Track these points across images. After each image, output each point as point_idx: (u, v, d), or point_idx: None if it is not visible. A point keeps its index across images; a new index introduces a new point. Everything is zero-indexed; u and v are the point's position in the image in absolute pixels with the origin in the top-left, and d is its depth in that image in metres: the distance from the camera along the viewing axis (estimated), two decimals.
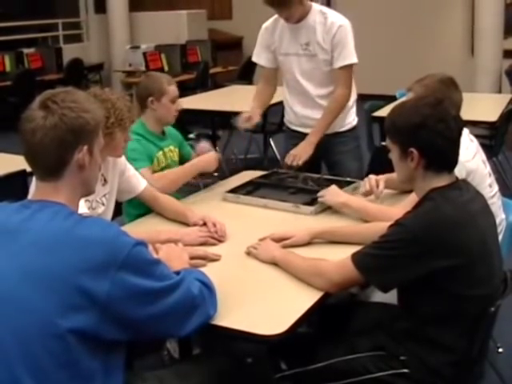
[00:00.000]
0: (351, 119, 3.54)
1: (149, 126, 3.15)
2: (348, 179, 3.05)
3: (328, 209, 2.72)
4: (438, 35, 10.33)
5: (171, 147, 3.24)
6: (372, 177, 2.78)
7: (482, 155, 2.69)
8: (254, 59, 3.57)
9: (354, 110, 3.55)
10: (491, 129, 5.18)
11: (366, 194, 2.77)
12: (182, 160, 3.29)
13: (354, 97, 3.51)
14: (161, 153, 3.15)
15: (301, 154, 3.25)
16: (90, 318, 1.46)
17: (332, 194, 2.71)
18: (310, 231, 2.37)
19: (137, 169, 2.85)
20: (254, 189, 3.01)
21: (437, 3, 10.19)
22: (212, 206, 2.88)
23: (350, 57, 3.29)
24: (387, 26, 10.52)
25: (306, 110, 3.46)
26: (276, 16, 3.37)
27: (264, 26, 3.47)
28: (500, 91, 8.30)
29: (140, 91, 3.18)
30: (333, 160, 3.45)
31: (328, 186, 2.84)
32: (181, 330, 1.65)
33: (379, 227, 2.03)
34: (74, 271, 1.45)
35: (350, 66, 3.31)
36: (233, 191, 2.95)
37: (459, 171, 2.05)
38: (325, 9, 3.36)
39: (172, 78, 3.34)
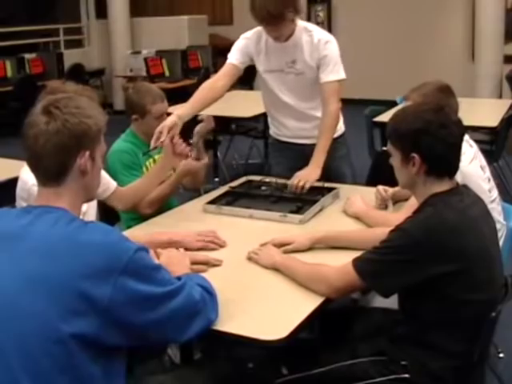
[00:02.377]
0: (340, 125, 3.51)
1: (139, 134, 3.15)
2: (326, 185, 3.04)
3: (315, 217, 2.73)
4: (438, 40, 10.35)
5: (163, 154, 3.22)
6: (380, 187, 2.81)
7: (481, 161, 2.69)
8: (229, 60, 3.44)
9: (341, 117, 3.51)
10: (492, 134, 5.19)
11: (381, 205, 2.79)
12: None
13: None
14: (150, 160, 3.14)
15: (310, 176, 3.08)
16: (92, 323, 1.46)
17: (350, 204, 2.73)
18: (311, 237, 2.37)
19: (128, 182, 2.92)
20: (234, 199, 2.94)
21: (437, 8, 10.22)
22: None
23: (339, 72, 3.24)
24: (387, 32, 10.53)
25: (298, 123, 3.41)
26: (257, 30, 3.28)
27: (243, 36, 3.37)
28: (500, 96, 8.32)
29: (126, 105, 3.16)
30: (327, 166, 3.41)
31: (308, 192, 2.93)
32: (182, 335, 1.65)
33: (380, 233, 2.03)
34: (76, 276, 1.46)
35: (338, 81, 3.25)
36: (212, 202, 2.89)
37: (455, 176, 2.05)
38: (310, 26, 3.30)
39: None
